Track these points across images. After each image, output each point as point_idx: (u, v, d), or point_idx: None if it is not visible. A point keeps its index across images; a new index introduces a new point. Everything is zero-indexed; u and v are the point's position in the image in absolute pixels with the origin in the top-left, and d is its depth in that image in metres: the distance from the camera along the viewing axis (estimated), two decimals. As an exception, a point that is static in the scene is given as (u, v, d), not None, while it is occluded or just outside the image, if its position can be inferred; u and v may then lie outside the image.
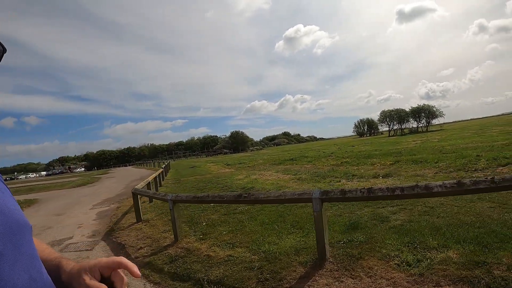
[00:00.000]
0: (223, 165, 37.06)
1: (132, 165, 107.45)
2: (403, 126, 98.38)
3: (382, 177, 14.08)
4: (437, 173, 13.30)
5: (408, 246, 5.51)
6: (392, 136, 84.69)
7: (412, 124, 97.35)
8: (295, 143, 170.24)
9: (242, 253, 6.38)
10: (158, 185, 20.39)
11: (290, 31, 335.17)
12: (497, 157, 14.02)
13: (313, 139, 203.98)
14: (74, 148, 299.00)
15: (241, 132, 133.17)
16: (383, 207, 8.27)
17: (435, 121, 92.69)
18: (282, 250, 6.17)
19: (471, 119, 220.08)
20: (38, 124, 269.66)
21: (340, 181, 14.23)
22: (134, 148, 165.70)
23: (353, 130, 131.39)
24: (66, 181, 46.80)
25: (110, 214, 13.28)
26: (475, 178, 4.11)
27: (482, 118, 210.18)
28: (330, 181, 14.41)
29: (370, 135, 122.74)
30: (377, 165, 17.89)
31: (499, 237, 5.25)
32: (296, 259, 5.66)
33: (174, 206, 7.81)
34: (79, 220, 12.66)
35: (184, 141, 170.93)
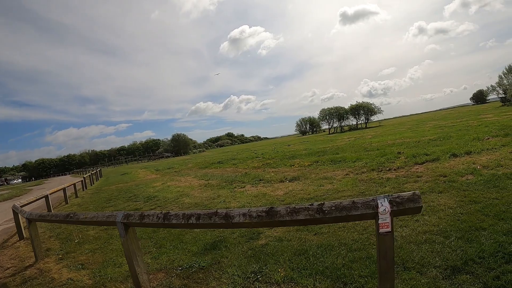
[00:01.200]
0: (152, 171, 36.28)
1: (71, 173, 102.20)
2: (343, 124, 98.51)
3: (289, 180, 12.80)
4: (347, 174, 12.01)
5: (249, 277, 4.62)
6: (332, 133, 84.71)
7: (352, 121, 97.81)
8: (238, 143, 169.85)
9: (82, 277, 5.96)
10: (75, 196, 20.92)
11: (235, 32, 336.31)
12: (417, 154, 12.89)
13: (256, 139, 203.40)
14: (15, 157, 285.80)
15: (183, 135, 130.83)
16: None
17: (374, 118, 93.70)
18: (117, 275, 5.61)
19: (410, 115, 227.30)
20: None
21: (244, 187, 13.10)
22: (74, 155, 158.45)
23: (296, 129, 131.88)
24: None
25: (9, 231, 12.23)
26: (295, 206, 2.81)
27: (422, 113, 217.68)
28: (235, 187, 13.41)
29: (312, 133, 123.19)
30: (295, 166, 16.67)
31: (370, 268, 4.17)
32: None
33: (31, 224, 7.35)
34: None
35: (127, 145, 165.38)
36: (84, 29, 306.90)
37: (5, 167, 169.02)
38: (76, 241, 8.72)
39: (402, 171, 10.69)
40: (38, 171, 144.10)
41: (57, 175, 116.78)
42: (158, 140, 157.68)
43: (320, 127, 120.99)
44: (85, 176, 31.84)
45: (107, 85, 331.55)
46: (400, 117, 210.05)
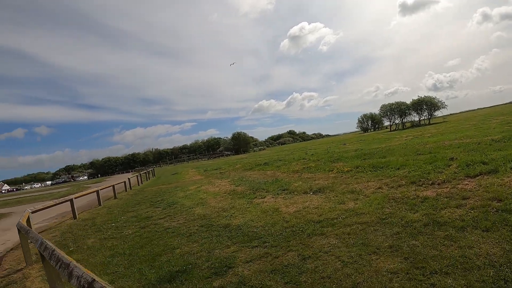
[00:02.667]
0: (200, 172, 35.88)
1: (132, 171, 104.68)
2: (405, 120, 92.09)
3: (313, 192, 11.49)
4: (380, 188, 10.01)
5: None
6: (393, 130, 79.97)
7: (414, 117, 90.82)
8: (300, 141, 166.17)
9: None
10: (114, 197, 22.31)
11: (294, 30, 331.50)
12: (472, 162, 10.38)
13: (318, 136, 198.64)
14: (86, 155, 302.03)
15: (243, 133, 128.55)
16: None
17: (438, 113, 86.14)
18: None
19: (478, 109, 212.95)
20: (48, 133, 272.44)
21: (264, 197, 12.35)
22: (139, 153, 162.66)
23: (357, 126, 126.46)
24: (56, 191, 46.55)
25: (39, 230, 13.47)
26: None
27: (490, 107, 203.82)
28: (255, 197, 12.79)
29: (374, 130, 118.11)
30: (333, 172, 14.90)
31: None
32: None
33: (20, 233, 8.11)
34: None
35: (189, 144, 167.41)
36: (143, 34, 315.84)
37: (73, 165, 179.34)
38: (70, 249, 9.26)
39: (446, 187, 8.46)
40: (104, 168, 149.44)
41: (121, 173, 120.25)
42: (219, 138, 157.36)
43: (382, 123, 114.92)
44: (130, 177, 32.49)
45: (170, 86, 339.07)
46: (467, 111, 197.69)
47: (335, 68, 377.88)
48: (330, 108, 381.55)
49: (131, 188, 28.40)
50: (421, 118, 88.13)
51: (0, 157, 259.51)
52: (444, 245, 5.08)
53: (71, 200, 15.43)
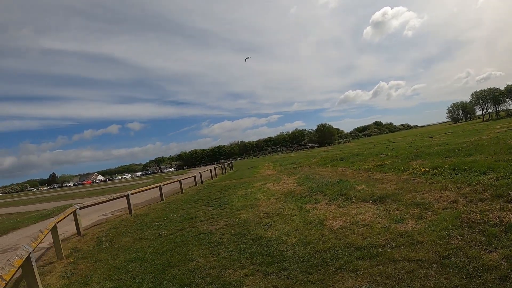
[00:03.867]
0: (276, 166, 35.35)
1: (217, 163, 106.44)
2: (499, 109, 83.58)
3: (373, 201, 9.69)
4: (455, 201, 7.92)
5: None
6: (486, 120, 73.35)
7: (510, 105, 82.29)
8: (387, 132, 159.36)
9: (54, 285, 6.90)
10: (181, 192, 22.50)
11: (377, 15, 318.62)
12: None
13: (406, 127, 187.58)
14: (176, 148, 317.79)
15: (328, 125, 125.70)
16: None
17: None
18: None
19: None
20: (140, 129, 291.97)
21: (318, 203, 10.96)
22: (224, 146, 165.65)
23: (447, 116, 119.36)
24: (139, 183, 50.86)
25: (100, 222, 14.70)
26: None
27: None
28: (309, 201, 11.49)
29: (465, 120, 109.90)
30: (407, 173, 13.15)
31: None
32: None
33: (52, 229, 8.88)
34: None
35: (274, 136, 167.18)
36: (225, 33, 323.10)
37: (162, 157, 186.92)
38: (103, 247, 9.62)
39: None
40: (191, 160, 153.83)
41: (206, 165, 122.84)
42: (304, 130, 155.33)
43: (474, 113, 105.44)
44: (202, 171, 33.87)
45: (254, 80, 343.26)
46: None
47: (422, 54, 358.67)
48: (418, 97, 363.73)
49: (202, 182, 28.69)
50: (518, 106, 79.64)
51: (97, 150, 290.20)
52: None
53: (127, 196, 15.67)
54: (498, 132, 26.47)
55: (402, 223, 7.09)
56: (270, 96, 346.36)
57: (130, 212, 15.50)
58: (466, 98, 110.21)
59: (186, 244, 8.52)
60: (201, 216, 12.24)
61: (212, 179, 32.27)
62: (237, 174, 34.70)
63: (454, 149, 17.36)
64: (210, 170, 35.66)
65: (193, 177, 28.70)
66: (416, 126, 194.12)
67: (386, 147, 30.34)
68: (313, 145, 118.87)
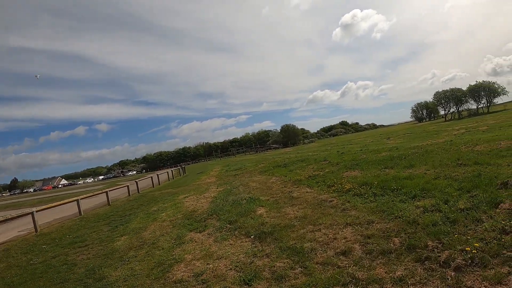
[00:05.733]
0: (222, 172, 33.69)
1: (174, 167, 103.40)
2: (461, 108, 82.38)
3: (255, 237, 7.95)
4: (346, 252, 5.71)
5: None
6: (448, 120, 72.38)
7: (472, 105, 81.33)
8: (352, 132, 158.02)
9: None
10: (107, 204, 21.23)
11: (346, 17, 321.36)
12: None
13: (372, 127, 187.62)
14: (144, 149, 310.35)
15: (292, 125, 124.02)
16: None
17: (498, 100, 76.67)
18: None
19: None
20: (108, 130, 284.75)
21: (203, 231, 9.75)
22: (189, 147, 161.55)
23: (411, 116, 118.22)
24: (87, 190, 45.79)
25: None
26: None
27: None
28: (198, 227, 10.32)
29: (429, 120, 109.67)
30: (333, 188, 11.60)
31: None
32: None
33: None
34: None
35: (239, 137, 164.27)
36: (198, 32, 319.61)
37: (127, 159, 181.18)
38: None
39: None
40: (156, 162, 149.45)
41: (169, 167, 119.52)
42: (269, 131, 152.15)
43: (438, 112, 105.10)
44: (138, 180, 32.07)
45: (225, 80, 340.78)
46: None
47: (390, 56, 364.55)
48: (386, 97, 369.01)
49: (138, 192, 26.82)
50: (479, 106, 79.17)
51: (65, 153, 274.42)
52: None
53: (32, 214, 15.18)
54: (454, 135, 24.86)
55: (250, 286, 5.36)
56: (240, 96, 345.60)
57: (36, 231, 14.87)
58: (431, 98, 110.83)
59: (39, 278, 8.06)
60: (88, 239, 11.65)
61: (153, 186, 30.79)
62: (181, 181, 33.08)
63: (400, 156, 15.35)
64: (154, 177, 33.61)
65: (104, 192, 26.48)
66: (382, 126, 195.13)
67: (337, 151, 28.54)
68: (277, 146, 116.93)
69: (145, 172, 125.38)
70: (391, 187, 9.24)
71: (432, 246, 4.98)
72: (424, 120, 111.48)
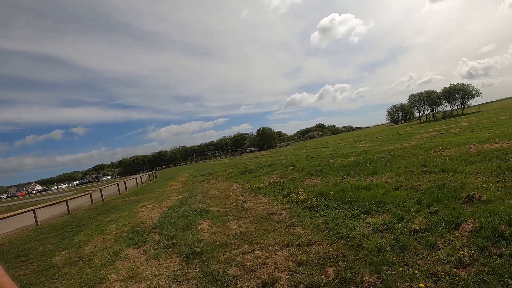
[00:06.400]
0: (190, 177, 32.79)
1: (149, 171, 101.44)
2: (436, 110, 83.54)
3: (187, 256, 7.14)
4: (271, 283, 4.48)
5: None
6: (423, 122, 72.65)
7: (446, 107, 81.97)
8: (329, 134, 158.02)
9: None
10: (68, 213, 20.22)
11: (325, 21, 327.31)
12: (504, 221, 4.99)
13: (348, 129, 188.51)
14: (121, 153, 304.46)
15: (268, 128, 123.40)
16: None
17: (473, 102, 77.39)
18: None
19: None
20: (85, 133, 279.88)
21: (140, 247, 8.91)
22: (166, 151, 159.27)
23: (387, 118, 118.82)
24: (54, 197, 44.30)
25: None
26: None
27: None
28: (136, 243, 9.42)
29: (404, 122, 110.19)
30: (287, 198, 10.79)
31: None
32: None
33: None
34: None
35: (215, 141, 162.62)
36: (176, 35, 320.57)
37: (102, 164, 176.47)
38: None
39: None
40: (132, 167, 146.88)
41: (146, 172, 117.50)
42: (246, 134, 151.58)
43: (413, 114, 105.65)
44: (102, 187, 29.59)
45: (203, 83, 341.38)
46: (504, 99, 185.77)
47: (367, 59, 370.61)
48: (363, 99, 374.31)
49: (102, 199, 25.62)
50: (454, 108, 79.58)
51: (41, 157, 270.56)
52: None
53: None
54: (426, 137, 24.28)
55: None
56: (218, 99, 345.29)
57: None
58: (406, 100, 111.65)
59: None
60: (32, 253, 10.93)
61: (119, 193, 29.53)
62: (149, 187, 31.76)
63: (366, 162, 14.58)
64: (121, 184, 32.56)
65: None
66: (358, 128, 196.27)
67: (307, 155, 27.62)
68: (253, 149, 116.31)
69: (119, 177, 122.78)
70: (346, 198, 8.36)
71: (368, 282, 4.02)
72: (400, 122, 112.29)
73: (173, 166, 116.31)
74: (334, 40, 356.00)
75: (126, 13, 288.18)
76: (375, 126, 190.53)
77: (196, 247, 7.46)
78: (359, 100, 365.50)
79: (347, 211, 7.40)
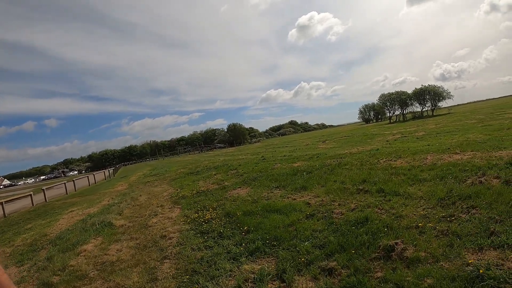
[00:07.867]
0: (141, 177, 31.97)
1: (113, 167, 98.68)
2: (406, 111, 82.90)
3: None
4: None
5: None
6: (393, 122, 72.05)
7: (417, 108, 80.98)
8: (301, 132, 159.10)
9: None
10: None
11: (303, 19, 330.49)
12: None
13: (321, 126, 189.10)
14: (94, 146, 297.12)
15: (239, 124, 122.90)
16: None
17: (444, 104, 77.09)
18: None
19: (487, 99, 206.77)
20: (58, 125, 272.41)
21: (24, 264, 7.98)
22: (136, 146, 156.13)
23: (359, 117, 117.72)
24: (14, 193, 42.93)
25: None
26: None
27: (499, 98, 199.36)
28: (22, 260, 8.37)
29: (376, 121, 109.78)
30: (193, 217, 9.44)
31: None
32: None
33: None
34: None
35: (186, 136, 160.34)
36: (153, 27, 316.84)
37: (71, 158, 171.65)
38: None
39: None
40: (101, 161, 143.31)
41: (116, 167, 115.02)
42: (217, 130, 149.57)
43: (385, 114, 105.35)
44: (46, 187, 27.22)
45: (179, 77, 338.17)
46: (475, 102, 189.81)
47: (344, 58, 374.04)
48: (338, 97, 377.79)
49: (46, 200, 23.82)
50: (424, 109, 79.17)
51: (11, 149, 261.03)
52: None
53: None
54: (387, 141, 22.69)
55: None
56: (193, 93, 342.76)
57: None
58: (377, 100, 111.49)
59: None
60: None
61: (67, 193, 27.81)
62: (99, 186, 30.67)
63: (307, 170, 13.43)
64: (70, 183, 31.24)
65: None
66: (331, 126, 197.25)
67: (262, 157, 25.97)
68: (222, 146, 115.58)
69: (87, 172, 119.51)
70: (246, 225, 6.88)
71: None
72: (371, 122, 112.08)
73: (141, 162, 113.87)
74: (311, 38, 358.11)
75: (101, 2, 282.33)
76: (348, 124, 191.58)
77: (55, 276, 6.54)
78: (334, 98, 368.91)
79: (234, 245, 5.91)
